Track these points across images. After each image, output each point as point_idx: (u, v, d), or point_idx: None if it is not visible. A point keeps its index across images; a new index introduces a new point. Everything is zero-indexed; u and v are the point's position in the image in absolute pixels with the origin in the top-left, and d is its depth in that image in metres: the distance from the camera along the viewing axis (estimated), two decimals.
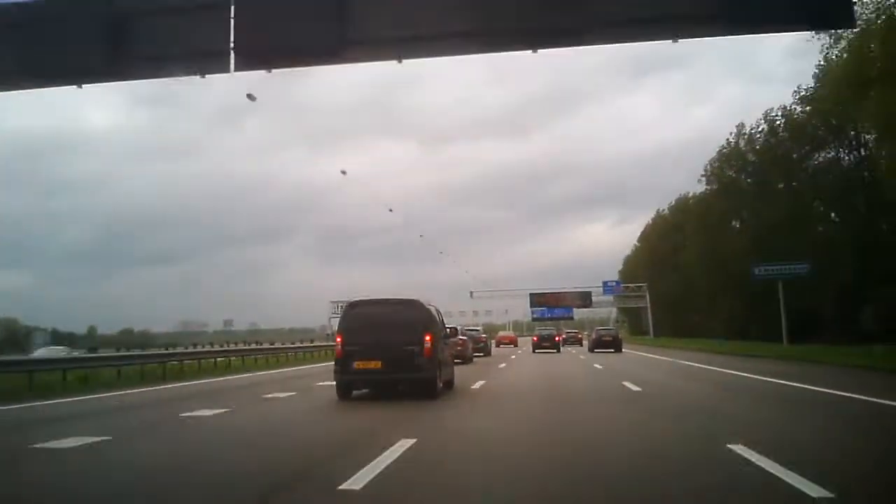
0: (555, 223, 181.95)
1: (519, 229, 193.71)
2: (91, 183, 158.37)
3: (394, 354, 11.11)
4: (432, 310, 12.89)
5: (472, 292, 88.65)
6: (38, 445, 7.28)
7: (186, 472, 6.14)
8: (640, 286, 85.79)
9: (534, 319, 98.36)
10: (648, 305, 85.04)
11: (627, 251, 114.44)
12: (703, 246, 63.23)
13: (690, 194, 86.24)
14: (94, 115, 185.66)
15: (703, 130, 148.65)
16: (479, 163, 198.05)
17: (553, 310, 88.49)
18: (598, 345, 38.63)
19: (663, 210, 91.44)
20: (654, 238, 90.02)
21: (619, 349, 36.33)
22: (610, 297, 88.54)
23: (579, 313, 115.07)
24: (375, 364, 11.12)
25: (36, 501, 5.09)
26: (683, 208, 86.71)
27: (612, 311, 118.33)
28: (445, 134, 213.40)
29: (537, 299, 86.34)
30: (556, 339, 46.36)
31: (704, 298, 71.10)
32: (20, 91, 11.69)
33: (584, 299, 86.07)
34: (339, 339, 11.48)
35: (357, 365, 11.22)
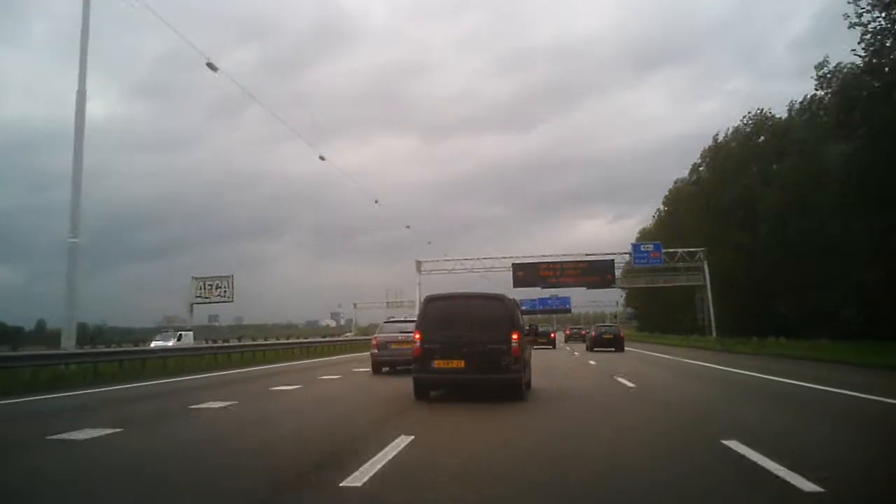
0: (553, 218, 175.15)
1: (516, 225, 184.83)
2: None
3: (478, 354, 10.06)
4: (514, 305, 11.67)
5: (419, 262, 55.22)
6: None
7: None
8: (695, 252, 52.41)
9: (522, 313, 65.57)
10: (708, 284, 51.70)
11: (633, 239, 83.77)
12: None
13: (766, 110, 54.52)
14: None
15: (705, 126, 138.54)
16: (480, 157, 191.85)
17: (545, 301, 71.32)
18: (598, 343, 33.68)
19: (722, 138, 57.76)
20: (705, 188, 56.75)
21: (620, 348, 31.93)
22: (636, 270, 55.15)
23: (578, 305, 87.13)
24: (458, 363, 10.13)
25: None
26: (761, 127, 54.08)
27: (620, 299, 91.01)
28: (446, 127, 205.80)
29: (526, 275, 52.75)
30: (552, 335, 42.02)
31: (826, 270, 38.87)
32: None
33: (602, 274, 52.46)
34: (417, 336, 10.60)
35: (437, 364, 10.25)
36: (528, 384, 11.79)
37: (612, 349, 31.83)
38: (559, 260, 53.17)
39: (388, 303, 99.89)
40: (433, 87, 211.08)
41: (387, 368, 16.70)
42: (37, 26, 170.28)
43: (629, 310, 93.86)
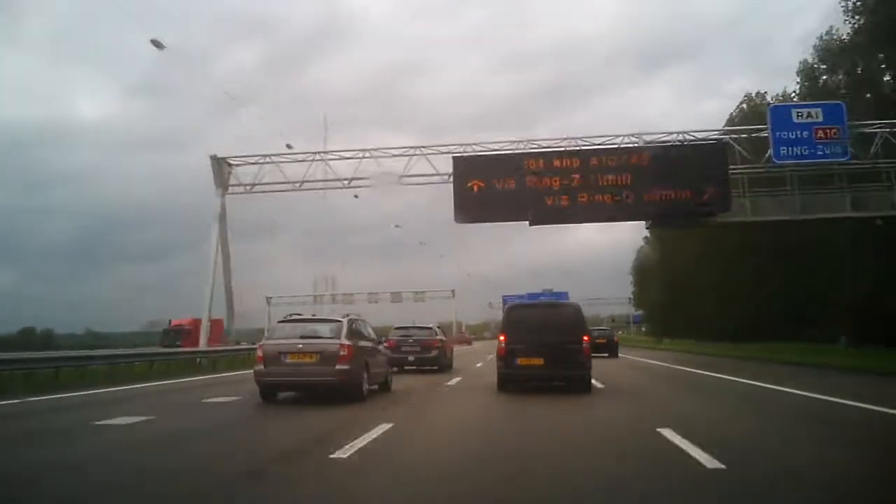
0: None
1: (517, 226, 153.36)
2: (66, 178, 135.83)
3: (556, 353, 11.45)
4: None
5: (223, 163, 21.92)
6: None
7: None
8: None
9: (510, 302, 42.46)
10: None
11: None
12: None
13: None
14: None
15: (709, 126, 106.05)
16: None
17: (536, 298, 49.50)
18: (591, 349, 19.46)
19: None
20: None
21: (614, 354, 29.15)
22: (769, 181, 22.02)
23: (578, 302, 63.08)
24: (538, 361, 11.56)
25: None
26: None
27: (630, 295, 74.16)
28: (446, 126, 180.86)
29: (489, 189, 19.79)
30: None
31: None
32: None
33: (698, 182, 19.38)
34: (503, 338, 12.08)
35: (520, 361, 11.65)
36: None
37: (606, 355, 27.38)
38: (585, 149, 20.23)
39: (315, 296, 70.50)
40: (433, 85, 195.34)
41: (289, 393, 10.79)
42: (33, 22, 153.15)
43: (637, 312, 77.82)
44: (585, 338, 11.60)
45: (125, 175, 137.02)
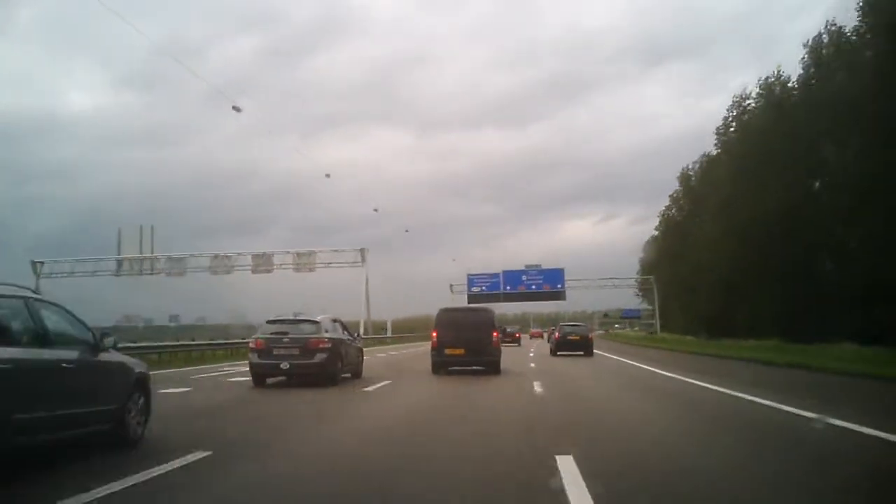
0: (548, 218, 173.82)
1: (509, 224, 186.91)
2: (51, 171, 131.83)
3: (473, 344, 16.38)
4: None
5: None
6: None
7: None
8: None
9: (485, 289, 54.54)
10: None
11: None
12: None
13: None
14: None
15: (710, 125, 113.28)
16: (477, 153, 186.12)
17: (517, 276, 54.69)
18: (563, 346, 28.96)
19: None
20: None
21: (589, 352, 27.71)
22: None
23: (577, 285, 61.28)
24: (460, 351, 16.36)
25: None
26: None
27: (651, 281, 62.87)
28: (444, 122, 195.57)
29: None
30: (517, 335, 46.06)
31: None
32: None
33: None
34: (434, 334, 16.83)
35: (447, 351, 16.44)
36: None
37: (581, 353, 27.35)
38: None
39: (119, 260, 52.41)
40: (433, 80, 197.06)
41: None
42: (22, 12, 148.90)
43: (631, 308, 75.43)
44: (495, 333, 16.93)
45: (114, 168, 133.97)
